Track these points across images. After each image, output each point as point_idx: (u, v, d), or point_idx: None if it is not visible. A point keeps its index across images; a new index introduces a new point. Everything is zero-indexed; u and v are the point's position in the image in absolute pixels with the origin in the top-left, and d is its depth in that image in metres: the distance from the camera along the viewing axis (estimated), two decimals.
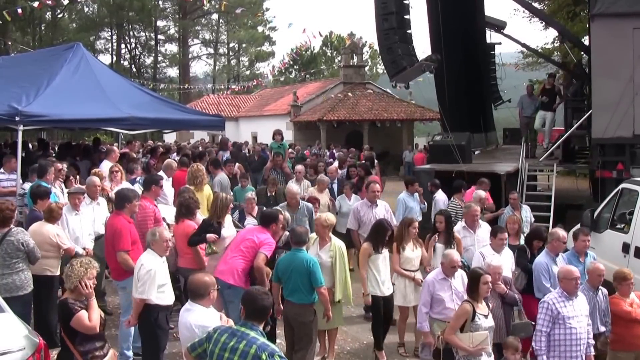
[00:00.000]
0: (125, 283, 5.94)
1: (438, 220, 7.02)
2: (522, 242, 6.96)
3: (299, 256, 5.67)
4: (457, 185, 9.51)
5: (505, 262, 6.11)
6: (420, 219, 8.51)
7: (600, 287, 5.64)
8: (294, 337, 5.81)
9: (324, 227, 6.26)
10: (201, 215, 7.30)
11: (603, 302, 5.65)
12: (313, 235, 6.43)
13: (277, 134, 14.02)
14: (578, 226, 8.50)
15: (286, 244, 6.29)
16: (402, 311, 6.75)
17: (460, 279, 5.68)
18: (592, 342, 5.26)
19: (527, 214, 9.02)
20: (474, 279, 5.09)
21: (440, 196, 9.72)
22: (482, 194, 8.71)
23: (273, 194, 9.47)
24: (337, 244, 6.28)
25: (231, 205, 6.94)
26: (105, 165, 9.34)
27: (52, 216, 6.47)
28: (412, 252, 6.66)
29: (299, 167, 10.65)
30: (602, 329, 5.63)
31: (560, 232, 6.27)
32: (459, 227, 7.29)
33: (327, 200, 9.42)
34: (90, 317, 4.31)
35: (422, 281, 6.51)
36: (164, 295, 5.32)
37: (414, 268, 6.67)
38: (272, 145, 14.10)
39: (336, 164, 12.61)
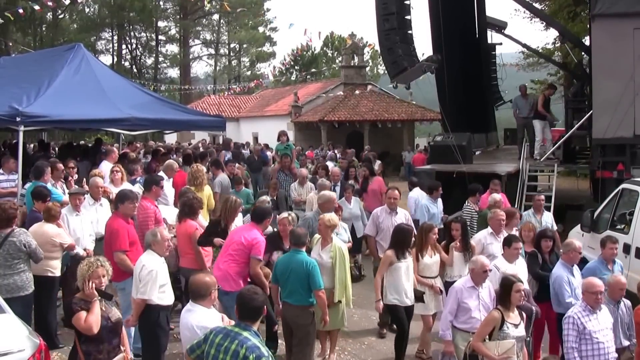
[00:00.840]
0: (124, 284, 5.92)
1: (454, 228, 6.74)
2: None
3: (298, 258, 5.63)
4: (472, 188, 9.09)
5: (520, 272, 5.83)
6: (441, 225, 8.26)
7: (623, 299, 5.41)
8: (292, 339, 5.78)
9: (326, 227, 6.21)
10: (202, 216, 7.30)
11: (626, 314, 5.39)
12: (316, 236, 6.42)
13: (283, 135, 13.83)
14: (578, 227, 8.52)
15: None
16: (425, 320, 6.54)
17: (487, 290, 5.48)
18: (615, 355, 5.06)
19: (548, 219, 8.38)
20: (506, 286, 4.94)
21: (413, 194, 9.57)
22: (497, 197, 8.33)
23: (274, 197, 9.46)
24: (338, 244, 6.25)
25: (240, 208, 6.93)
26: (105, 166, 9.34)
27: (51, 215, 6.46)
28: (431, 259, 6.50)
29: (303, 171, 10.67)
30: (626, 342, 5.37)
31: (576, 242, 6.10)
32: (485, 233, 6.93)
33: None
34: (87, 318, 4.30)
35: (440, 289, 6.44)
36: (164, 295, 5.31)
37: (433, 275, 6.50)
38: (277, 147, 13.97)
39: (331, 164, 12.60)
